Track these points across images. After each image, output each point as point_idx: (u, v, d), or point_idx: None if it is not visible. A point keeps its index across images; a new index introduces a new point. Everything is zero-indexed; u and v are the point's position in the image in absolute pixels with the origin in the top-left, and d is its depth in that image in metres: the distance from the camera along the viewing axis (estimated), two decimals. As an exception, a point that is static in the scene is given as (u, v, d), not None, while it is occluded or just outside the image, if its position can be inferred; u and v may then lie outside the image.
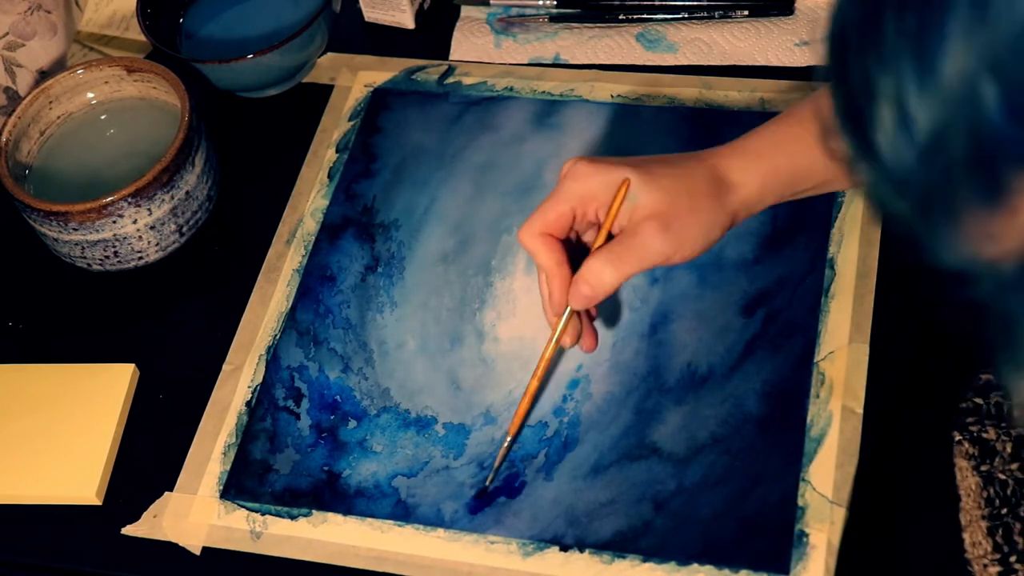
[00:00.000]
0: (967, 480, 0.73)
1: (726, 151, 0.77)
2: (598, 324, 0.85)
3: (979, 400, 0.76)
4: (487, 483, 0.81)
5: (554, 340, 0.78)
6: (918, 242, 0.42)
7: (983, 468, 0.73)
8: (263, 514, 0.83)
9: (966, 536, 0.72)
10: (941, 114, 0.37)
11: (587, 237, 0.79)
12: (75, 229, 0.90)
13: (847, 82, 0.40)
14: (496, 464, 0.81)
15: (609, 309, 0.87)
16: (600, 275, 0.74)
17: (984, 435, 0.74)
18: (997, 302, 0.42)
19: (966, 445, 0.74)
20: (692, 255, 0.75)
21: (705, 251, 0.76)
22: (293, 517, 0.82)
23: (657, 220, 0.74)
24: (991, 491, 0.72)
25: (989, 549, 0.71)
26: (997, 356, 0.44)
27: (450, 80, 1.02)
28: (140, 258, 0.93)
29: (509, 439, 0.81)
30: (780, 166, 0.77)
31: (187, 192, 0.92)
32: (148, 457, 0.87)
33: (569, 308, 0.77)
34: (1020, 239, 0.39)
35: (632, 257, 0.74)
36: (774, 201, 0.78)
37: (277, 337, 0.90)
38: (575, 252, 0.78)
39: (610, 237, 0.76)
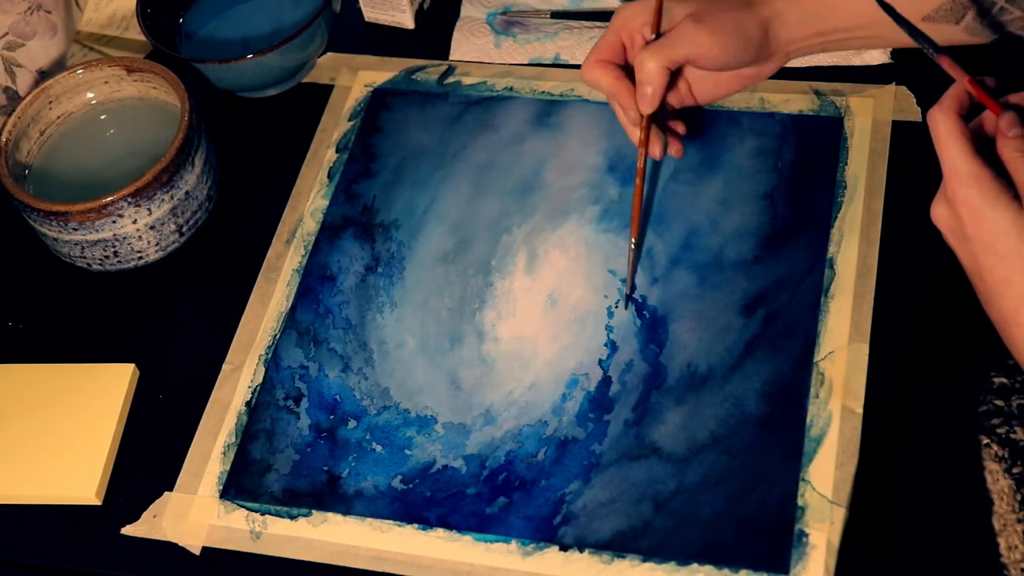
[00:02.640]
0: (999, 483, 0.73)
1: None
2: (601, 318, 0.85)
3: (1000, 402, 0.76)
4: (628, 292, 0.87)
5: (643, 154, 0.85)
6: None
7: (1015, 471, 0.72)
8: (263, 514, 0.83)
9: (1001, 540, 0.72)
10: None
11: None
12: (75, 229, 0.90)
13: None
14: (630, 271, 0.87)
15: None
16: (643, 66, 0.81)
17: (1013, 436, 0.74)
18: None
19: (995, 447, 0.73)
20: (728, 51, 0.82)
21: (743, 55, 0.83)
22: (293, 517, 0.82)
23: (691, 16, 0.81)
24: None
25: None
26: None
27: (450, 80, 1.02)
28: (140, 258, 0.93)
29: (634, 242, 0.87)
30: None
31: (187, 192, 0.92)
32: (148, 457, 0.87)
33: (644, 116, 0.84)
34: None
35: (669, 44, 0.81)
36: (818, 30, 0.83)
37: (277, 337, 0.90)
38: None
39: None
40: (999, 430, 0.73)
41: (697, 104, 0.89)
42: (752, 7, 0.82)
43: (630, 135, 0.87)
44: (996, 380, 0.77)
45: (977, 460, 0.74)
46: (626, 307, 0.87)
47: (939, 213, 0.68)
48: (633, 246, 0.87)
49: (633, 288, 0.87)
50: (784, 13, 0.83)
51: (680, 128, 0.89)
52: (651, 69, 0.81)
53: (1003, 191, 0.65)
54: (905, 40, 0.74)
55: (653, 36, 0.83)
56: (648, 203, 0.92)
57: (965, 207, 0.66)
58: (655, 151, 0.86)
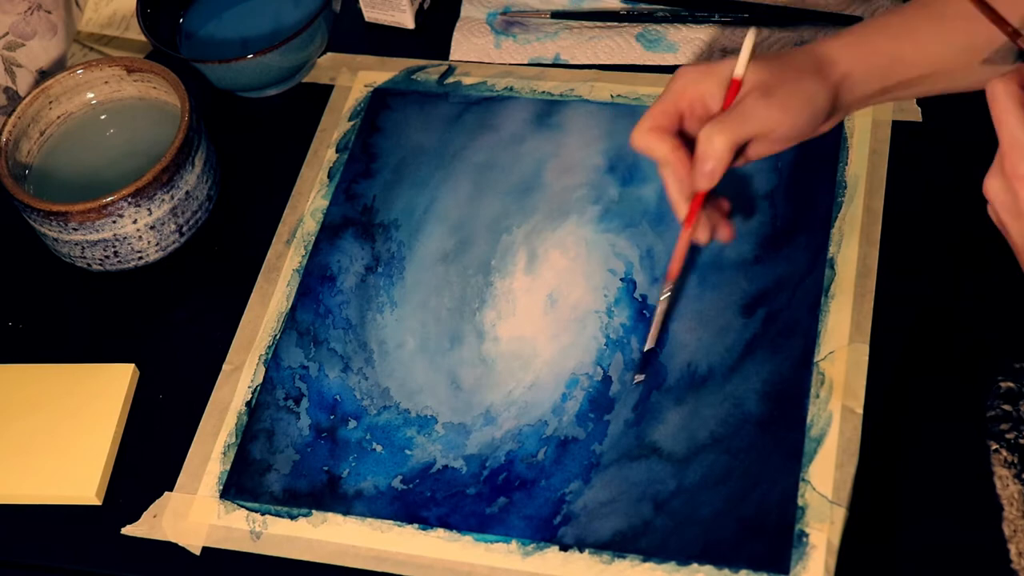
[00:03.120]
0: (1008, 488, 0.72)
1: (829, 37, 0.79)
2: (601, 318, 0.86)
3: (1008, 407, 0.76)
4: (647, 347, 0.83)
5: (688, 228, 0.80)
6: None
7: None
8: (263, 514, 0.83)
9: (1012, 547, 0.71)
10: None
11: None
12: (75, 229, 0.90)
13: None
14: (655, 326, 0.84)
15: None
16: (710, 141, 0.75)
17: (1022, 441, 0.74)
18: None
19: (1004, 453, 0.73)
20: (798, 124, 0.76)
21: (811, 127, 0.77)
22: (293, 517, 0.82)
23: (759, 89, 0.76)
24: None
25: None
26: None
27: (450, 80, 1.02)
28: (140, 258, 0.93)
29: (670, 287, 0.83)
30: (881, 47, 0.77)
31: (187, 192, 0.92)
32: (148, 457, 0.87)
33: (697, 193, 0.78)
34: None
35: (738, 120, 0.75)
36: (883, 86, 0.79)
37: (277, 337, 0.90)
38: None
39: None
40: (1008, 435, 0.73)
41: (746, 163, 0.81)
42: (821, 72, 0.77)
43: (676, 210, 0.80)
44: (1003, 384, 0.77)
45: (986, 465, 0.73)
46: (641, 372, 0.84)
47: (993, 186, 0.64)
48: (667, 291, 0.83)
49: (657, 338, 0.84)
50: (852, 75, 0.78)
51: (725, 205, 0.83)
52: (719, 147, 0.75)
53: None
54: (958, 84, 0.74)
55: (719, 108, 0.77)
56: (648, 203, 0.92)
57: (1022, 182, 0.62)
58: (702, 237, 0.80)
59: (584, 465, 0.81)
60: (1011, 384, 0.77)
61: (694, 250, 0.88)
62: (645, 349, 0.84)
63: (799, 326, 0.84)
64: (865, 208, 0.88)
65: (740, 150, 0.77)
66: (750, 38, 0.76)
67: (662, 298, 0.84)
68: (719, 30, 1.00)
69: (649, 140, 0.78)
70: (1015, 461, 0.72)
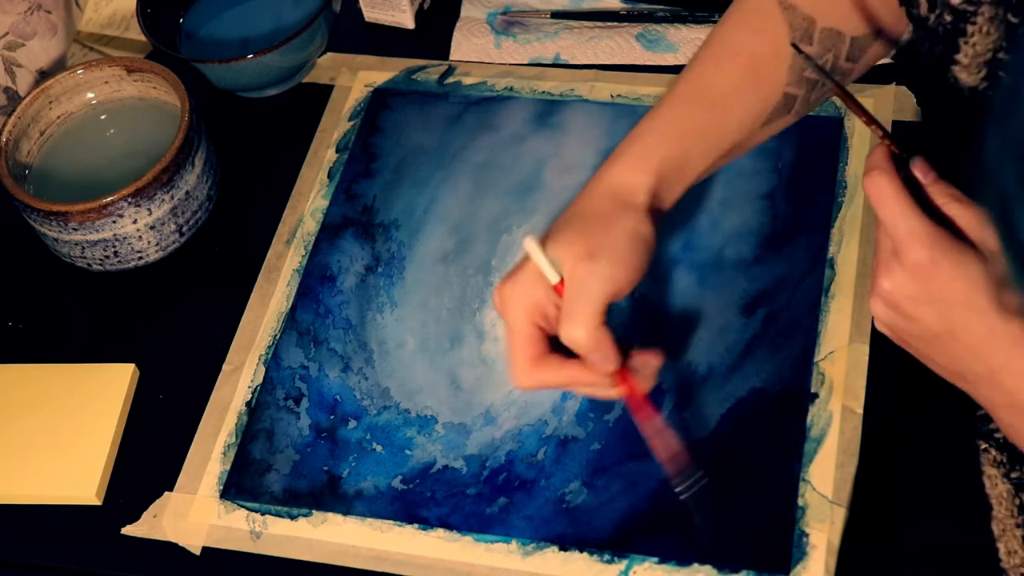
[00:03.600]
0: (997, 488, 0.72)
1: (613, 165, 0.75)
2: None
3: None
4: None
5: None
6: None
7: (1013, 475, 0.72)
8: (263, 514, 0.83)
9: (1000, 546, 0.71)
10: None
11: None
12: (75, 229, 0.90)
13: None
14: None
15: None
16: (572, 336, 0.71)
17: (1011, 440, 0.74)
18: None
19: (993, 452, 0.72)
20: (638, 267, 0.72)
21: (649, 257, 0.73)
22: (293, 517, 0.82)
23: (583, 262, 0.71)
24: (1023, 498, 0.71)
25: None
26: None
27: (450, 80, 1.02)
28: (140, 258, 0.93)
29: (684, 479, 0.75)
30: (667, 155, 0.75)
31: (187, 192, 0.92)
32: (148, 457, 0.87)
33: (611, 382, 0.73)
34: None
35: (582, 305, 0.71)
36: (685, 186, 0.76)
37: (277, 337, 0.90)
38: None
39: None
40: (997, 435, 0.72)
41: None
42: (628, 208, 0.73)
43: (613, 398, 0.76)
44: None
45: (975, 465, 0.73)
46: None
47: (890, 288, 0.62)
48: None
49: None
50: (655, 192, 0.74)
51: (657, 359, 0.76)
52: (578, 338, 0.70)
53: (960, 243, 0.61)
54: (745, 147, 0.77)
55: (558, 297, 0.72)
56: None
57: (931, 268, 0.60)
58: (646, 385, 0.75)
59: (584, 465, 0.81)
60: None
61: (693, 250, 0.88)
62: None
63: (799, 326, 0.84)
64: (865, 208, 0.88)
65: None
66: (531, 246, 0.72)
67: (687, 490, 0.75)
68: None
69: (539, 378, 0.73)
70: (1004, 460, 0.72)
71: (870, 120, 0.68)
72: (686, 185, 0.76)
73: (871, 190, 0.63)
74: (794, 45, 0.73)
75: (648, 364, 0.74)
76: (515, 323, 0.73)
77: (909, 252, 0.61)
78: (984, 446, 0.73)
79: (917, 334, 0.64)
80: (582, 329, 0.71)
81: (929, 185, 0.63)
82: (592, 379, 0.73)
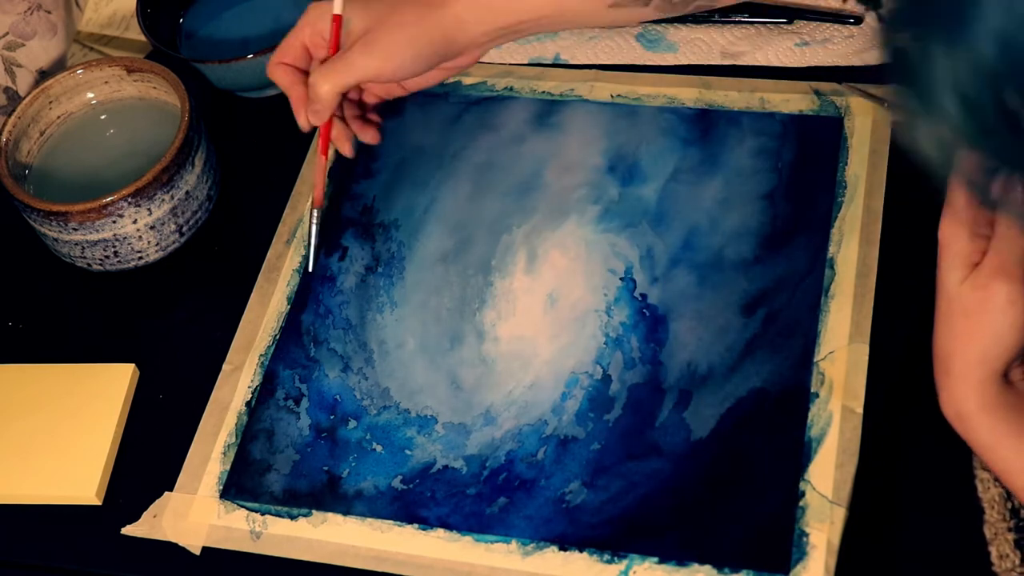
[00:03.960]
0: (989, 492, 0.72)
1: None
2: (601, 317, 0.86)
3: None
4: (309, 265, 0.91)
5: (323, 150, 0.89)
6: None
7: None
8: (263, 514, 0.83)
9: (992, 549, 0.71)
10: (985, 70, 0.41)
11: None
12: (75, 229, 0.90)
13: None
14: (311, 240, 0.91)
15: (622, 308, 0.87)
16: (316, 87, 0.84)
17: None
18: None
19: None
20: (402, 69, 0.84)
21: (419, 67, 0.85)
22: (293, 517, 0.82)
23: (363, 38, 0.83)
24: (1015, 502, 0.71)
25: (1017, 562, 0.70)
26: (902, 78, 0.46)
27: (450, 80, 1.02)
28: (140, 258, 0.93)
29: (317, 213, 0.90)
30: None
31: (187, 192, 0.92)
32: (148, 457, 0.87)
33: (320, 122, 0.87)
34: None
35: (341, 69, 0.84)
36: (500, 26, 0.84)
37: (277, 337, 0.90)
38: None
39: None
40: None
41: (408, 92, 0.92)
42: (429, 15, 0.83)
43: (303, 127, 0.89)
44: None
45: (968, 468, 0.73)
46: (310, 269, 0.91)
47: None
48: (311, 225, 0.91)
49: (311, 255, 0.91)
50: (462, 17, 0.83)
51: (375, 118, 0.93)
52: (323, 93, 0.84)
53: None
54: (586, 22, 0.81)
55: (331, 50, 0.86)
56: (648, 203, 0.92)
57: None
58: (344, 149, 0.90)
59: (584, 464, 0.81)
60: None
61: (693, 250, 0.88)
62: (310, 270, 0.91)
63: (799, 326, 0.84)
64: (865, 208, 0.88)
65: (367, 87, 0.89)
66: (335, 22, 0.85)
67: (312, 220, 0.90)
68: (719, 30, 1.00)
69: (275, 73, 0.88)
70: None
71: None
72: (502, 26, 0.84)
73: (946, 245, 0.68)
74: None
75: (364, 133, 0.91)
76: (296, 27, 0.87)
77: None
78: None
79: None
80: (326, 86, 0.84)
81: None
82: (301, 111, 0.87)
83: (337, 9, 0.85)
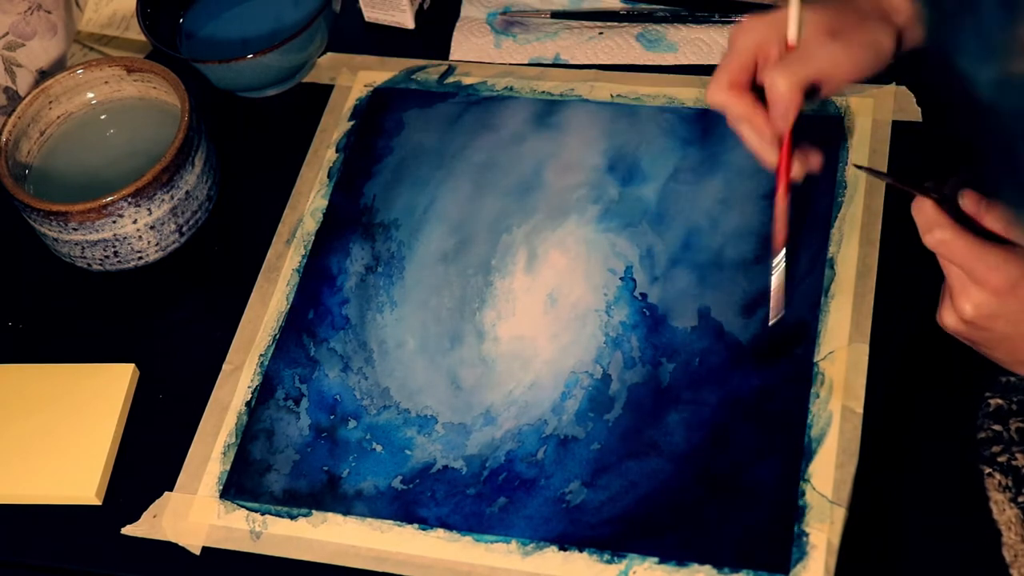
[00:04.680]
0: (1005, 513, 0.71)
1: None
2: (601, 317, 0.86)
3: (998, 427, 0.75)
4: (771, 321, 0.83)
5: (785, 178, 0.80)
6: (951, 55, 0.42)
7: (1020, 499, 0.71)
8: (263, 514, 0.83)
9: (1014, 572, 0.70)
10: None
11: None
12: (75, 229, 0.90)
13: None
14: (773, 291, 0.82)
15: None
16: (775, 84, 0.76)
17: (1015, 463, 0.73)
18: (1011, 125, 0.42)
19: (997, 476, 0.71)
20: (860, 66, 0.77)
21: (873, 69, 0.77)
22: (293, 517, 0.82)
23: (823, 31, 0.76)
24: None
25: None
26: (1003, 186, 0.44)
27: (450, 80, 1.02)
28: (140, 258, 0.93)
29: (783, 256, 0.82)
30: None
31: (187, 192, 0.92)
32: (148, 457, 0.87)
33: (784, 134, 0.79)
34: None
35: (799, 62, 0.76)
36: (910, 51, 0.79)
37: (277, 337, 0.90)
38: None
39: None
40: (1000, 458, 0.72)
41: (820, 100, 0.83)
42: (885, 17, 0.78)
43: (764, 158, 0.80)
44: (992, 402, 0.76)
45: (981, 490, 0.72)
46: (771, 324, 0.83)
47: (972, 310, 0.67)
48: (780, 261, 0.82)
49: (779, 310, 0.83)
50: (905, 31, 0.78)
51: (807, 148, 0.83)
52: (783, 88, 0.76)
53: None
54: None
55: (786, 49, 0.78)
56: (648, 203, 0.92)
57: (1012, 290, 0.66)
58: (796, 173, 0.80)
59: (584, 464, 0.81)
60: (999, 400, 0.76)
61: (693, 250, 0.88)
62: (771, 324, 0.83)
63: (799, 326, 0.84)
64: (865, 208, 0.88)
65: (812, 91, 0.78)
66: (794, 2, 0.77)
67: (776, 268, 0.82)
68: (719, 30, 1.00)
69: (726, 97, 0.78)
70: (1009, 484, 0.71)
71: (918, 189, 0.70)
72: (914, 44, 0.79)
73: (939, 248, 0.68)
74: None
75: (809, 157, 0.81)
76: (738, 44, 0.79)
77: (989, 281, 0.66)
78: (988, 471, 0.72)
79: (987, 339, 0.69)
80: (786, 80, 0.75)
81: (983, 215, 0.67)
82: (763, 126, 0.78)
83: (792, 38, 0.77)
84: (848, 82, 0.78)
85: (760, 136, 0.79)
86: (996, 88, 0.43)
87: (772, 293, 0.82)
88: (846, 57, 0.76)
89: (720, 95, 0.79)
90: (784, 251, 0.82)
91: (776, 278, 0.82)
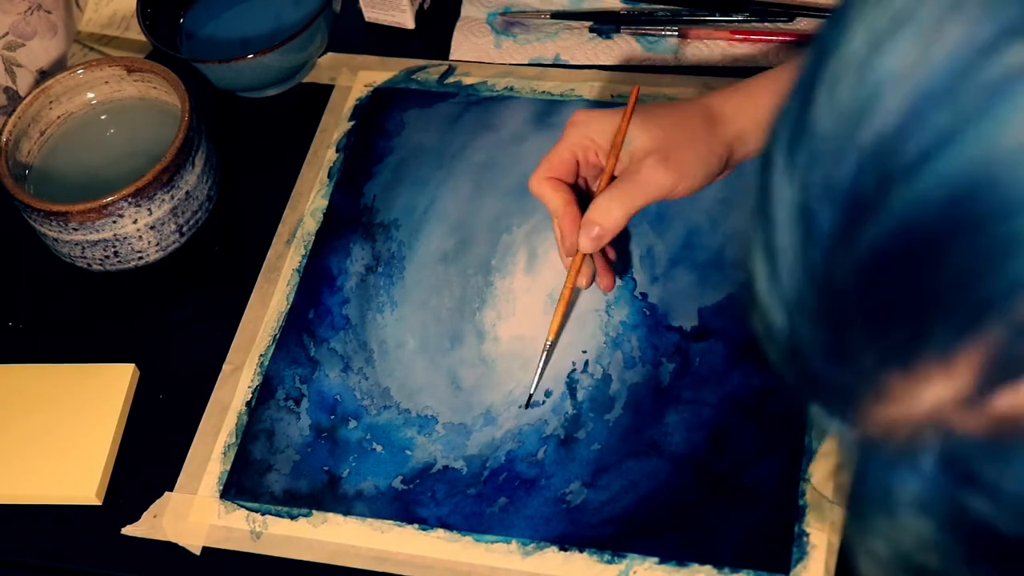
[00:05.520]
0: None
1: (720, 92, 0.81)
2: (601, 317, 0.86)
3: None
4: (531, 392, 0.84)
5: (570, 283, 0.81)
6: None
7: None
8: (263, 514, 0.83)
9: None
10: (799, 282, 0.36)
11: (596, 186, 0.82)
12: (75, 229, 0.90)
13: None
14: (537, 372, 0.83)
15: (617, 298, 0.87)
16: (608, 212, 0.77)
17: None
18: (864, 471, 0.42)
19: None
20: (694, 186, 0.78)
21: (705, 183, 0.79)
22: (293, 517, 0.82)
23: (656, 154, 0.77)
24: None
25: None
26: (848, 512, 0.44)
27: (450, 80, 1.02)
28: (140, 258, 0.93)
29: (550, 341, 0.83)
30: (770, 104, 0.78)
31: (187, 192, 0.92)
32: (148, 457, 0.87)
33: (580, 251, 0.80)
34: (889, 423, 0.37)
35: (636, 191, 0.77)
36: (749, 153, 0.81)
37: (277, 337, 0.90)
38: (586, 201, 0.81)
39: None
40: None
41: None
42: (715, 130, 0.78)
43: (561, 257, 0.84)
44: None
45: None
46: (526, 407, 0.84)
47: None
48: (543, 356, 0.83)
49: (537, 387, 0.84)
50: (743, 133, 0.79)
51: (611, 255, 0.86)
52: (615, 216, 0.77)
53: None
54: None
55: (610, 166, 0.79)
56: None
57: None
58: (582, 281, 0.82)
59: (584, 464, 0.81)
60: None
61: (693, 249, 0.88)
62: (527, 405, 0.84)
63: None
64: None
65: None
66: (634, 95, 0.80)
67: (545, 348, 0.83)
68: (719, 30, 1.00)
69: (543, 189, 0.80)
70: None
71: None
72: (746, 152, 0.80)
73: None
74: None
75: (607, 254, 0.85)
76: (567, 139, 0.81)
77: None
78: None
79: None
80: (620, 210, 0.77)
81: None
82: (571, 234, 0.79)
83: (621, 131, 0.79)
84: (693, 194, 0.79)
85: (563, 241, 0.80)
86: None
87: (537, 372, 0.83)
88: (680, 180, 0.77)
89: (538, 185, 0.80)
90: (554, 339, 0.83)
91: (542, 358, 0.83)
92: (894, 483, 0.37)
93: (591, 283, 0.83)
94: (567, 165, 0.80)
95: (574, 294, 0.87)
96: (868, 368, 0.35)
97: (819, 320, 0.36)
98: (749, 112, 0.79)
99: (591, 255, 0.81)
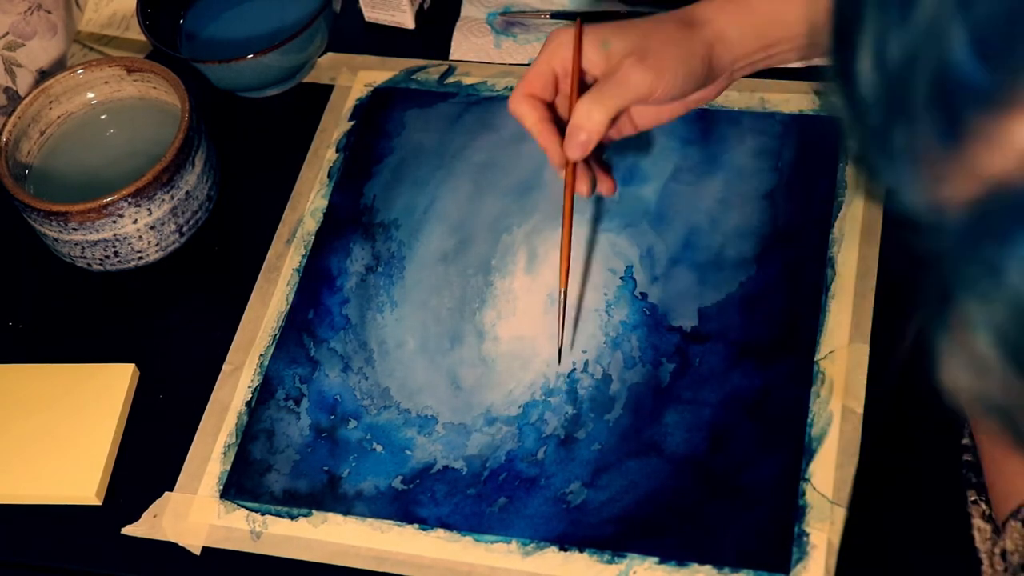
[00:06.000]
0: (987, 543, 0.70)
1: (697, 4, 0.80)
2: (601, 317, 0.86)
3: None
4: (559, 345, 0.84)
5: (569, 193, 0.80)
6: (876, 181, 0.42)
7: (998, 547, 0.70)
8: (263, 514, 0.83)
9: None
10: (912, 48, 0.37)
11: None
12: (75, 229, 0.90)
13: (841, 5, 0.40)
14: (560, 324, 0.83)
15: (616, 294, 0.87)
16: (589, 114, 0.76)
17: None
18: (938, 253, 0.41)
19: (982, 505, 0.70)
20: (674, 86, 0.77)
21: (689, 86, 0.77)
22: (293, 517, 0.82)
23: (633, 55, 0.76)
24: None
25: None
26: (929, 313, 0.43)
27: (450, 80, 1.02)
28: (140, 258, 0.93)
29: (564, 293, 0.82)
30: (757, 7, 0.78)
31: (187, 192, 0.92)
32: (148, 457, 0.87)
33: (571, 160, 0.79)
34: (970, 187, 0.37)
35: (616, 91, 0.76)
36: (760, 45, 0.79)
37: (277, 337, 0.90)
38: (563, 127, 0.80)
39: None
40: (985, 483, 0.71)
41: (637, 131, 0.83)
42: (693, 32, 0.77)
43: (556, 170, 0.82)
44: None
45: (964, 515, 0.71)
46: (559, 363, 0.84)
47: None
48: (563, 298, 0.82)
49: (563, 343, 0.84)
50: (726, 33, 0.78)
51: (607, 166, 0.85)
52: (597, 119, 0.76)
53: None
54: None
55: (575, 67, 0.78)
56: (648, 202, 0.92)
57: None
58: (582, 189, 0.81)
59: (584, 464, 0.81)
60: None
61: (693, 249, 0.88)
62: (559, 347, 0.85)
63: (799, 326, 0.84)
64: (865, 208, 0.88)
65: (624, 115, 0.80)
66: (577, 25, 0.78)
67: (562, 296, 0.82)
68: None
69: (521, 108, 0.80)
70: (991, 514, 0.69)
71: None
72: (762, 45, 0.79)
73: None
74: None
75: (602, 183, 0.83)
76: (544, 55, 0.79)
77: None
78: (973, 497, 0.70)
79: None
80: (600, 110, 0.76)
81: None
82: (555, 149, 0.79)
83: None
84: (663, 103, 0.78)
85: (551, 152, 0.80)
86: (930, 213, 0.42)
87: (558, 323, 0.83)
88: (658, 79, 0.76)
89: (516, 105, 0.80)
90: (566, 285, 0.82)
91: (561, 308, 0.82)
92: (1008, 245, 0.36)
93: (592, 191, 0.81)
94: (543, 78, 0.79)
95: (576, 298, 0.87)
96: (976, 102, 0.35)
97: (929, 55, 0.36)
98: (733, 14, 0.78)
99: (586, 162, 0.80)
